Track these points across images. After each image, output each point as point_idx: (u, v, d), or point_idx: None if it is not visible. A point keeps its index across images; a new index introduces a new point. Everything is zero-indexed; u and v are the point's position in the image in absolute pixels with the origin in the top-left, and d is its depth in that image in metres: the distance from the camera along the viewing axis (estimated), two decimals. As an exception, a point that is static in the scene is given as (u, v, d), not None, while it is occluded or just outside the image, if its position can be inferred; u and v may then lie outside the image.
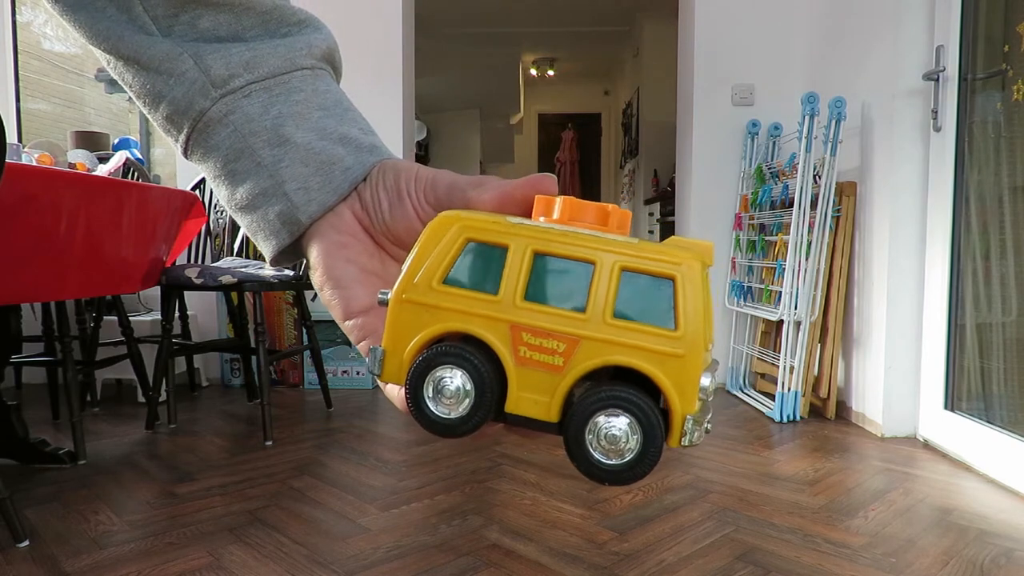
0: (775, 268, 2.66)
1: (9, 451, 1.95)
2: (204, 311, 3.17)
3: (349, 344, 2.99)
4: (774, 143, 2.98)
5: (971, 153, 2.14)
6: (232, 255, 2.79)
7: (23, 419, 1.96)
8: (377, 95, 3.09)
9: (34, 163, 2.45)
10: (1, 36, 3.31)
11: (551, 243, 0.24)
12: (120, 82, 0.34)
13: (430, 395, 0.25)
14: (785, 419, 2.51)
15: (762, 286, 2.81)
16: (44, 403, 2.67)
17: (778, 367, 2.58)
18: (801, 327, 2.52)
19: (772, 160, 2.91)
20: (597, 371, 0.24)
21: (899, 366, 2.33)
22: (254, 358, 2.59)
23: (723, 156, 3.09)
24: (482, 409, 0.24)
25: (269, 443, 2.20)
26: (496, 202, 0.29)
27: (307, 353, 2.93)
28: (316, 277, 0.32)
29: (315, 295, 2.73)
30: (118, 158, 2.70)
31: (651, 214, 5.72)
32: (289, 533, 1.53)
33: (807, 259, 2.52)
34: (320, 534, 1.53)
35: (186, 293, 2.80)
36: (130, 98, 0.36)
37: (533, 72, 7.85)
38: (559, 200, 0.26)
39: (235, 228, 2.78)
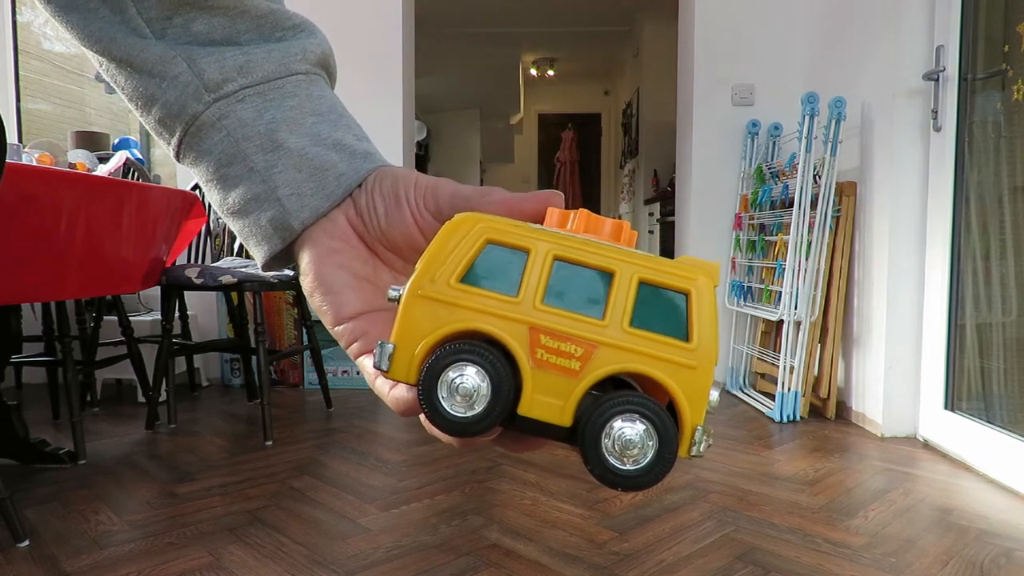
0: (775, 268, 2.66)
1: (9, 451, 1.95)
2: (204, 311, 3.17)
3: (349, 344, 2.98)
4: (774, 143, 2.98)
5: (971, 153, 2.14)
6: (232, 255, 2.79)
7: (23, 419, 1.96)
8: (377, 95, 3.09)
9: (34, 163, 2.45)
10: (1, 36, 3.31)
11: (572, 250, 0.25)
12: (112, 84, 0.33)
13: (444, 394, 0.24)
14: (785, 419, 2.51)
15: (762, 286, 2.81)
16: (44, 403, 2.67)
17: (778, 367, 2.58)
18: (801, 327, 2.52)
19: (772, 160, 2.91)
20: (603, 380, 0.25)
21: (899, 366, 2.33)
22: (254, 358, 2.59)
23: (723, 156, 3.09)
24: (498, 408, 0.24)
25: (269, 443, 2.20)
26: (504, 209, 0.28)
27: (307, 353, 2.93)
28: (307, 283, 0.32)
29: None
30: (118, 158, 2.70)
31: (651, 214, 5.72)
32: (289, 533, 1.53)
33: (807, 259, 2.53)
34: (320, 534, 1.53)
35: (186, 293, 2.80)
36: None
37: (533, 72, 7.85)
38: (575, 213, 0.26)
39: (235, 228, 2.78)
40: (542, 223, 0.27)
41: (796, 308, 2.53)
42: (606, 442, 0.24)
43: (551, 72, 7.86)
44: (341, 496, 1.76)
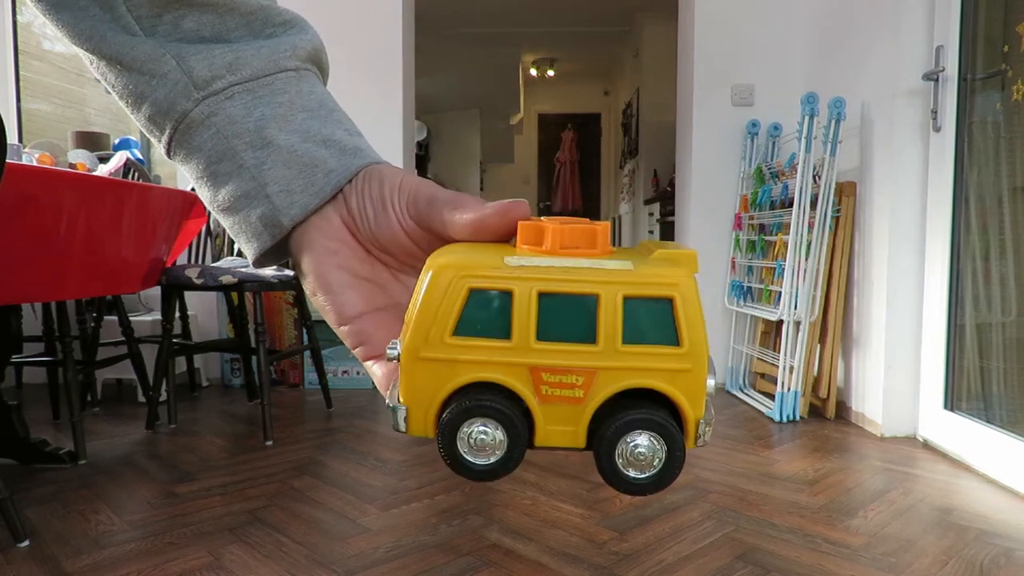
0: (775, 268, 2.66)
1: (9, 451, 1.95)
2: (204, 311, 3.17)
3: (349, 344, 2.98)
4: (774, 143, 2.98)
5: (971, 153, 2.14)
6: (232, 255, 2.79)
7: (23, 419, 1.96)
8: (377, 95, 3.09)
9: (34, 163, 2.45)
10: (1, 36, 3.31)
11: (553, 283, 0.25)
12: (103, 82, 0.34)
13: (465, 449, 0.26)
14: (785, 419, 2.51)
15: (762, 286, 2.81)
16: (44, 403, 2.67)
17: (778, 367, 2.58)
18: (801, 327, 2.52)
19: (772, 160, 2.91)
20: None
21: (899, 366, 2.33)
22: (254, 358, 2.59)
23: (723, 156, 3.09)
24: (517, 451, 0.26)
25: (269, 443, 2.20)
26: (470, 229, 0.28)
27: (307, 353, 2.93)
28: (308, 284, 0.32)
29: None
30: (118, 158, 2.71)
31: (651, 214, 5.72)
32: (289, 533, 1.53)
33: (807, 259, 2.53)
34: (320, 534, 1.53)
35: (186, 293, 2.80)
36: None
37: (533, 72, 7.85)
38: (548, 229, 0.26)
39: (235, 228, 2.78)
40: (515, 234, 0.27)
41: (796, 308, 2.53)
42: (620, 461, 0.25)
43: (551, 72, 7.86)
44: (341, 496, 1.76)
